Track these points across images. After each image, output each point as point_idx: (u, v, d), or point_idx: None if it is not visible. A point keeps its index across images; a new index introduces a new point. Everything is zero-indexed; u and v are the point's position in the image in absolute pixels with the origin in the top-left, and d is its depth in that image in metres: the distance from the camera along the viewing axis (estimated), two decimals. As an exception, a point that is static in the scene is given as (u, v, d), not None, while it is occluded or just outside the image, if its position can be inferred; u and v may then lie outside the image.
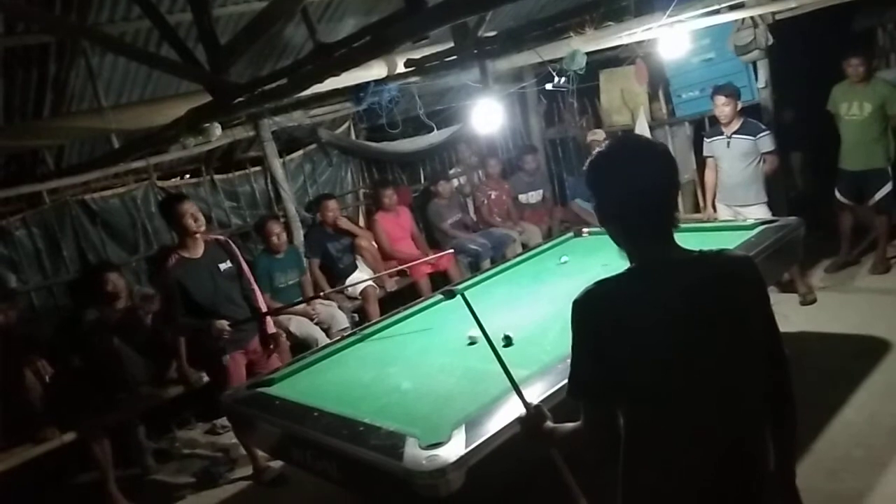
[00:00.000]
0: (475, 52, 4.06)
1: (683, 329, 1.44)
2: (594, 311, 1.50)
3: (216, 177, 6.16)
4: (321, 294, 5.32)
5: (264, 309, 4.37)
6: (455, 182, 7.34)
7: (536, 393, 2.42)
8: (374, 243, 6.23)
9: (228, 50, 3.15)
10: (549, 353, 2.92)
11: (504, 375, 2.10)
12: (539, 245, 5.36)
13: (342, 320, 5.41)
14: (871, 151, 5.15)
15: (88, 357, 4.65)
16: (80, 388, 4.47)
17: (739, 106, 5.01)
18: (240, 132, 5.83)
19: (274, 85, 3.26)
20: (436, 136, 6.73)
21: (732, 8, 4.55)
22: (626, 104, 6.83)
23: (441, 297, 4.13)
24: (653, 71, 6.41)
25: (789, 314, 4.74)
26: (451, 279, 5.85)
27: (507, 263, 4.94)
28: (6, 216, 5.13)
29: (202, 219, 4.11)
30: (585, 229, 5.07)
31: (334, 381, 3.43)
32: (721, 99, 4.96)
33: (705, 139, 5.35)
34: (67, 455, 4.33)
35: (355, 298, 5.79)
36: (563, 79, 4.66)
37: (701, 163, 5.68)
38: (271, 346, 4.32)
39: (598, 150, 1.58)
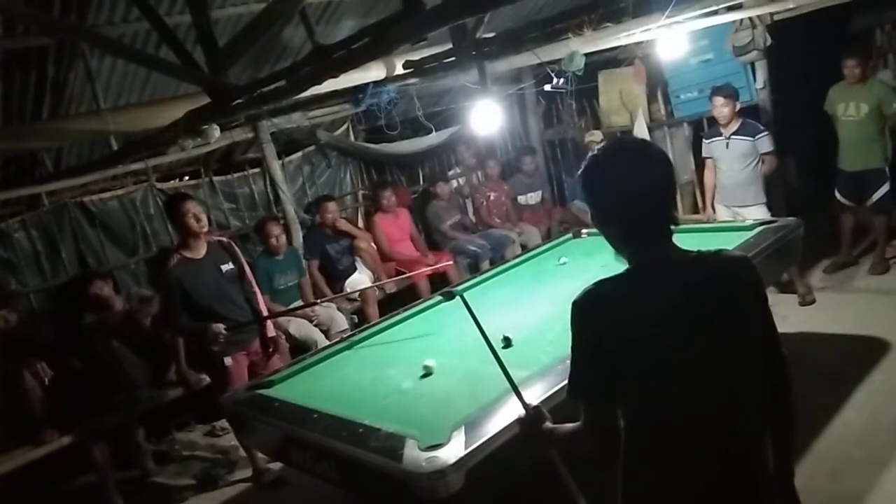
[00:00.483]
0: (474, 53, 4.06)
1: (682, 329, 1.44)
2: (593, 311, 1.51)
3: (215, 178, 6.16)
4: (321, 301, 5.31)
5: (265, 311, 4.37)
6: (454, 183, 7.35)
7: (536, 394, 2.42)
8: (373, 245, 6.23)
9: (227, 52, 3.16)
10: (548, 355, 2.92)
11: (503, 377, 2.10)
12: (538, 246, 5.37)
13: (341, 322, 5.41)
14: (868, 152, 5.16)
15: (88, 359, 4.65)
16: (80, 391, 4.46)
17: (738, 107, 5.02)
18: (238, 134, 5.83)
19: (272, 87, 3.25)
20: (435, 138, 6.73)
21: (731, 9, 4.54)
22: (624, 105, 6.83)
23: (440, 298, 4.14)
24: (651, 72, 6.42)
25: (788, 315, 4.75)
26: (450, 280, 5.85)
27: (507, 265, 4.94)
28: (5, 218, 5.12)
29: (205, 219, 4.11)
30: (584, 230, 5.07)
31: (334, 383, 3.43)
32: (719, 100, 4.97)
33: (704, 140, 5.36)
34: (67, 457, 4.32)
35: (354, 300, 5.79)
36: (561, 80, 4.65)
37: (700, 164, 5.68)
38: (271, 350, 4.31)
39: (593, 152, 1.58)
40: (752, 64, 5.73)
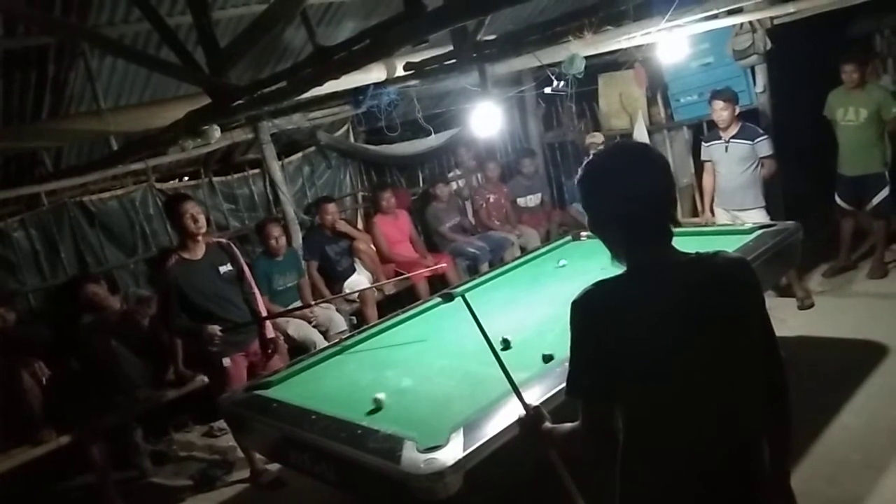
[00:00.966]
0: (474, 55, 4.07)
1: (680, 330, 1.45)
2: (593, 311, 1.51)
3: (215, 179, 6.16)
4: (319, 302, 5.31)
5: (264, 313, 4.37)
6: (454, 185, 7.36)
7: (535, 395, 2.41)
8: (372, 246, 6.23)
9: (228, 52, 3.16)
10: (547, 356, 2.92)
11: (502, 378, 2.10)
12: (537, 248, 5.37)
13: (340, 323, 5.41)
14: (868, 156, 5.17)
15: (86, 359, 4.64)
16: (78, 391, 4.46)
17: (737, 110, 5.03)
18: (239, 134, 5.84)
19: (273, 88, 3.25)
20: (434, 140, 6.73)
21: (731, 13, 4.56)
22: (624, 108, 6.84)
23: (439, 300, 4.14)
24: (651, 75, 6.43)
25: (787, 318, 4.75)
26: (449, 282, 5.85)
27: (506, 267, 4.94)
28: (4, 218, 5.12)
29: (203, 220, 4.10)
30: (583, 233, 5.07)
31: (332, 384, 3.43)
32: (719, 103, 4.98)
33: (703, 143, 5.37)
34: (65, 457, 4.32)
35: (353, 301, 5.79)
36: (561, 83, 4.66)
37: (699, 167, 5.69)
38: (270, 351, 4.31)
39: (592, 155, 1.59)
40: (752, 68, 5.73)
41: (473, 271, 6.20)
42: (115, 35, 3.97)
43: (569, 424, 1.65)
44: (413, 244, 6.54)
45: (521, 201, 7.31)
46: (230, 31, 4.24)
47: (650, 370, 1.46)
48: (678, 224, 1.55)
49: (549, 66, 4.67)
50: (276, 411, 3.14)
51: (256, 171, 6.32)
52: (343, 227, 6.10)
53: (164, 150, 5.44)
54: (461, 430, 2.40)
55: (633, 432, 1.51)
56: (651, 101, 6.69)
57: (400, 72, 4.63)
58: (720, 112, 4.99)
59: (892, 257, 5.48)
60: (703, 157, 5.38)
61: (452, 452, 2.29)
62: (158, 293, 4.40)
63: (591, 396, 1.54)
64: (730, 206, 5.17)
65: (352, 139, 6.91)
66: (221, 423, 4.79)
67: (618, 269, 1.58)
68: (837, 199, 5.39)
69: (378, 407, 2.88)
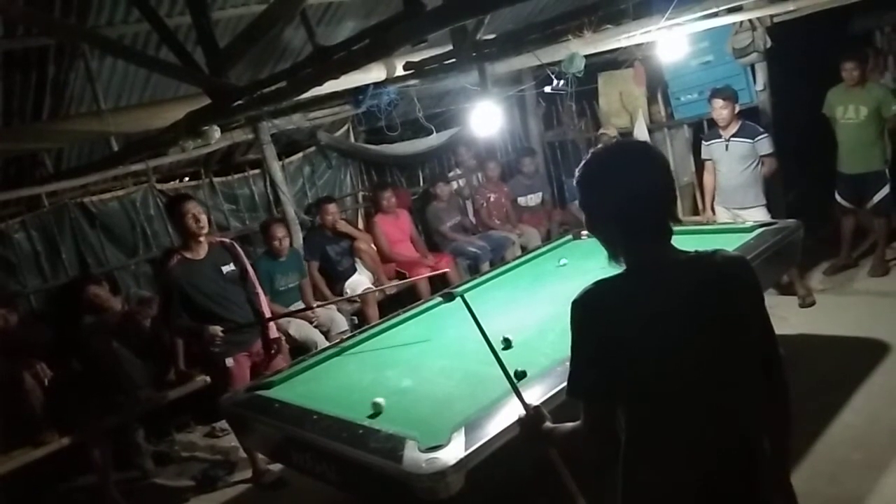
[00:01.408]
0: (474, 54, 4.07)
1: (680, 329, 1.45)
2: (593, 310, 1.51)
3: (215, 179, 6.16)
4: (323, 304, 5.31)
5: (268, 313, 4.37)
6: (454, 185, 7.35)
7: (535, 395, 2.42)
8: (373, 246, 6.23)
9: (227, 53, 3.16)
10: (547, 356, 2.92)
11: (503, 378, 2.10)
12: (538, 248, 5.37)
13: (341, 323, 5.41)
14: (868, 154, 5.17)
15: (87, 360, 4.64)
16: (80, 392, 4.46)
17: (737, 109, 5.02)
18: (239, 135, 5.84)
19: (273, 88, 3.25)
20: (435, 139, 6.73)
21: (731, 11, 4.55)
22: (624, 107, 6.84)
23: (440, 299, 4.14)
24: (651, 74, 6.43)
25: (788, 316, 4.75)
26: (450, 282, 5.85)
27: (506, 266, 4.94)
28: (5, 219, 5.12)
29: (204, 220, 4.10)
30: (584, 232, 5.07)
31: (333, 384, 3.43)
32: (719, 102, 4.97)
33: (703, 142, 5.36)
34: (66, 458, 4.33)
35: (354, 301, 5.79)
36: (561, 82, 4.66)
37: (700, 165, 5.69)
38: (273, 352, 4.31)
39: (590, 154, 1.59)
40: (752, 66, 5.73)
41: (474, 271, 6.20)
42: (114, 36, 3.97)
43: (570, 424, 1.65)
44: (414, 244, 6.54)
45: (521, 200, 7.31)
46: (230, 32, 4.24)
47: (650, 369, 1.46)
48: (679, 221, 1.55)
49: (549, 64, 4.67)
50: (277, 411, 3.14)
51: (257, 171, 6.32)
52: (344, 227, 6.10)
53: (165, 150, 5.44)
54: (462, 430, 2.40)
55: (634, 431, 1.51)
56: (651, 100, 6.69)
57: (400, 71, 4.63)
58: (720, 110, 4.98)
59: (893, 255, 5.47)
60: (703, 156, 5.37)
61: (454, 452, 2.29)
62: (160, 293, 4.40)
63: (591, 396, 1.54)
64: (730, 205, 5.17)
65: (352, 139, 6.91)
66: (223, 424, 4.79)
67: (618, 269, 1.58)
68: (838, 198, 5.38)
69: (377, 411, 2.87)
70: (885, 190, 5.14)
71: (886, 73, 5.96)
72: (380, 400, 2.91)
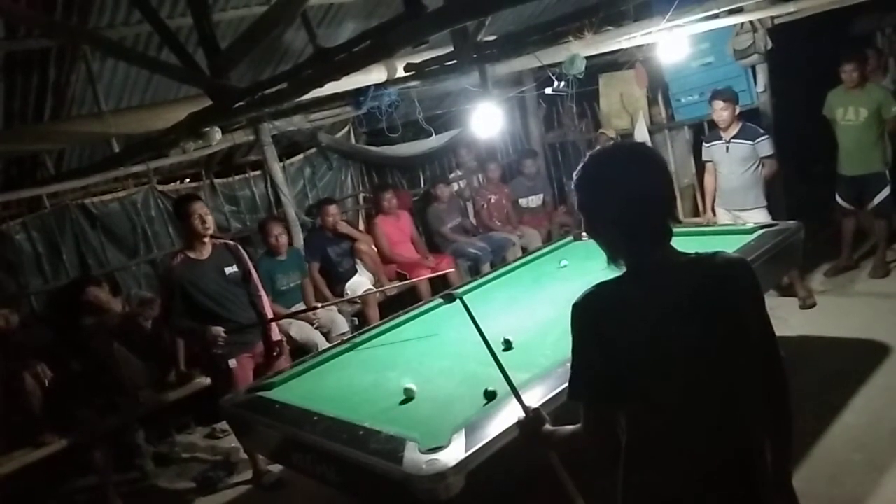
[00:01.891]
0: (475, 56, 4.07)
1: (681, 331, 1.45)
2: (594, 313, 1.51)
3: (216, 181, 6.17)
4: (326, 304, 5.31)
5: (270, 315, 4.38)
6: (455, 186, 7.35)
7: (536, 397, 2.42)
8: (373, 247, 6.23)
9: (228, 54, 3.16)
10: (548, 358, 2.92)
11: (503, 380, 2.10)
12: (539, 249, 5.36)
13: (342, 324, 5.41)
14: (868, 156, 5.17)
15: (88, 361, 4.64)
16: (80, 393, 4.46)
17: (738, 110, 5.02)
18: (240, 136, 5.84)
19: (274, 89, 3.26)
20: (435, 141, 6.74)
21: (731, 12, 4.56)
22: (625, 108, 6.84)
23: (441, 300, 4.14)
24: (652, 75, 6.43)
25: (789, 318, 4.75)
26: (450, 283, 5.85)
27: (507, 267, 4.94)
28: (6, 220, 5.12)
29: (210, 221, 4.11)
30: (584, 233, 5.07)
31: (334, 385, 3.43)
32: (719, 103, 4.97)
33: (704, 143, 5.36)
34: (67, 459, 4.32)
35: (355, 302, 5.79)
36: (562, 83, 4.67)
37: (700, 167, 5.69)
38: (276, 353, 4.32)
39: (588, 156, 1.58)
40: (753, 67, 5.73)
41: (475, 272, 6.20)
42: (116, 37, 3.98)
43: (570, 427, 1.65)
44: (414, 245, 6.54)
45: (522, 202, 7.31)
46: (231, 33, 4.25)
47: (651, 372, 1.46)
48: (679, 221, 1.55)
49: (550, 66, 4.67)
50: (278, 412, 3.14)
51: (258, 172, 6.33)
52: (344, 228, 6.11)
53: (166, 151, 5.44)
54: (463, 431, 2.40)
55: (634, 434, 1.51)
56: (652, 101, 6.69)
57: (401, 73, 4.64)
58: (720, 112, 4.98)
59: (894, 257, 5.47)
60: (703, 158, 5.37)
61: (454, 453, 2.29)
62: (162, 292, 4.40)
63: (592, 399, 1.54)
64: (731, 207, 5.16)
65: (353, 140, 6.91)
66: (223, 425, 4.79)
67: (618, 271, 1.57)
68: (838, 199, 5.38)
69: (409, 397, 2.90)
70: (886, 191, 5.14)
71: (887, 74, 5.96)
72: (411, 385, 2.93)
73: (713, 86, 5.39)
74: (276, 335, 4.35)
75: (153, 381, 4.79)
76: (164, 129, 3.93)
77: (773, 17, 5.13)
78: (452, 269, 5.91)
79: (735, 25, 5.27)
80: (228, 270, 4.15)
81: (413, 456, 2.33)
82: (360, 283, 5.97)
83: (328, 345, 4.66)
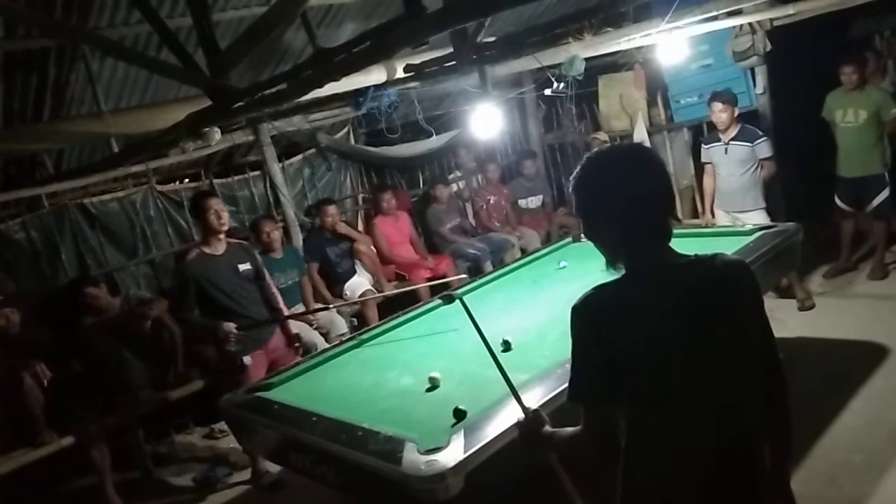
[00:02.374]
0: (474, 57, 4.07)
1: (680, 333, 1.45)
2: (593, 316, 1.51)
3: (215, 181, 6.16)
4: (333, 306, 5.32)
5: (285, 311, 4.45)
6: (454, 187, 7.36)
7: (535, 398, 2.42)
8: (372, 248, 6.23)
9: (228, 54, 3.16)
10: (547, 358, 2.92)
11: (502, 380, 2.10)
12: (538, 250, 5.36)
13: (341, 325, 5.41)
14: (867, 158, 5.17)
15: (87, 361, 4.64)
16: (79, 393, 4.46)
17: (737, 112, 5.02)
18: (239, 136, 5.84)
19: (274, 90, 3.26)
20: (435, 141, 6.73)
21: (731, 14, 4.56)
22: (624, 110, 6.85)
23: (440, 301, 4.14)
24: (651, 77, 6.44)
25: (787, 320, 4.75)
26: (449, 284, 5.85)
27: (506, 268, 4.94)
28: (5, 220, 5.12)
29: (226, 217, 4.17)
30: (584, 236, 5.07)
31: (333, 386, 3.43)
32: (718, 105, 4.97)
33: (703, 145, 5.36)
34: (66, 459, 4.32)
35: (354, 303, 5.79)
36: (561, 84, 4.67)
37: (699, 169, 5.69)
38: (297, 345, 4.40)
39: (585, 159, 1.58)
40: (752, 69, 5.74)
41: (474, 272, 6.20)
42: (115, 37, 3.98)
43: (569, 428, 1.66)
44: (413, 245, 6.55)
45: (522, 203, 7.31)
46: (230, 33, 4.25)
47: (650, 373, 1.46)
48: (678, 220, 1.55)
49: (549, 67, 4.67)
50: (276, 413, 3.14)
51: (257, 173, 6.33)
52: (343, 228, 6.10)
53: (165, 152, 5.44)
54: (462, 432, 2.40)
55: (634, 435, 1.51)
56: (651, 103, 6.69)
57: (400, 73, 4.64)
58: (719, 114, 4.98)
59: (893, 258, 5.48)
60: (702, 159, 5.37)
61: (453, 454, 2.29)
62: (175, 286, 4.42)
63: (592, 400, 1.54)
64: (730, 208, 5.17)
65: (352, 141, 6.91)
66: (222, 425, 4.79)
67: (617, 274, 1.58)
68: (837, 201, 5.39)
69: (434, 385, 2.93)
70: (885, 193, 5.15)
71: (886, 76, 5.96)
72: (436, 374, 2.96)
73: (712, 87, 5.39)
74: (293, 328, 4.44)
75: (152, 381, 4.78)
76: (164, 130, 3.93)
77: (772, 19, 5.13)
78: (464, 276, 5.89)
79: (734, 27, 5.27)
80: (242, 267, 4.19)
81: (412, 457, 2.33)
82: (359, 283, 5.97)
83: (327, 345, 4.66)
